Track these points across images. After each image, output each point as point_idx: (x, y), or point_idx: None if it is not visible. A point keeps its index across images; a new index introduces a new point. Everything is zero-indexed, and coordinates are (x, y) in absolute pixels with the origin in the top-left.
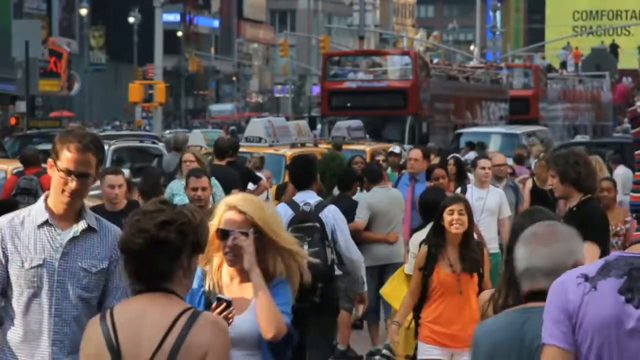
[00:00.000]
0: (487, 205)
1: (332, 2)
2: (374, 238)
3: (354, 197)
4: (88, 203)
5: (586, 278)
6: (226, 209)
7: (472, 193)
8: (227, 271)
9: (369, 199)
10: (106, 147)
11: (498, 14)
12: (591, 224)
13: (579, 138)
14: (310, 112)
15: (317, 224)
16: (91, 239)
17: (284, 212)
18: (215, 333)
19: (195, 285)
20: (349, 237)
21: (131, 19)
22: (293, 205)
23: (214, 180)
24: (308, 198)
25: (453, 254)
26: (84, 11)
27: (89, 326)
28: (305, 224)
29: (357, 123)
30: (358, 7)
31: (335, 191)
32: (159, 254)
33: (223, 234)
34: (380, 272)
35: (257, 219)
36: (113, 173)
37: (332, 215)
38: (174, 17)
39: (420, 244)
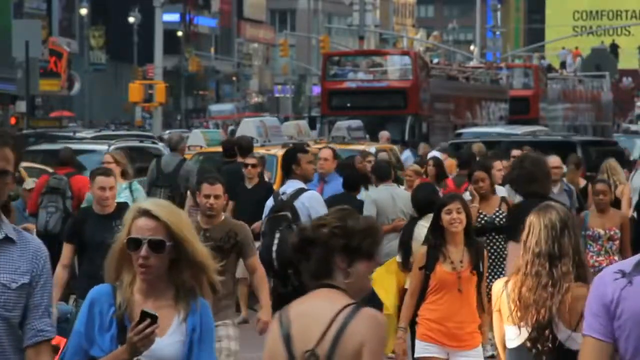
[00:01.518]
0: None
1: (332, 2)
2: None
3: (359, 197)
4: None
5: (623, 274)
6: (137, 215)
7: None
8: (139, 287)
9: (373, 196)
10: (106, 147)
11: (498, 14)
12: (511, 224)
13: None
14: (310, 112)
15: (289, 213)
16: (9, 251)
17: (269, 203)
18: (372, 326)
19: (104, 304)
20: None
21: (131, 19)
22: (276, 195)
23: (135, 185)
24: (290, 187)
25: (454, 252)
26: (84, 11)
27: (272, 322)
28: (279, 214)
29: (357, 123)
30: (358, 7)
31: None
32: (312, 251)
33: (134, 243)
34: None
35: (172, 225)
36: (104, 174)
37: (307, 201)
38: (173, 17)
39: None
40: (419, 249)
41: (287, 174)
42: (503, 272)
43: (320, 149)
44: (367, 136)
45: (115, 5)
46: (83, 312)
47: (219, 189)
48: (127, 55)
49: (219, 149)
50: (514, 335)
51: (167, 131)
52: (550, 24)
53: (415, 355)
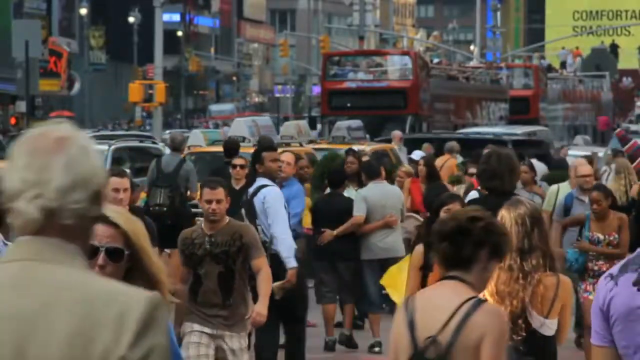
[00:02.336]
0: None
1: (332, 2)
2: (374, 227)
3: (349, 195)
4: None
5: (611, 277)
6: None
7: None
8: None
9: (363, 193)
10: (106, 147)
11: (498, 14)
12: None
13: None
14: (310, 112)
15: (244, 210)
16: None
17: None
18: (494, 319)
19: None
20: (278, 216)
21: (131, 19)
22: (245, 194)
23: None
24: (256, 184)
25: None
26: (84, 11)
27: (397, 310)
28: (241, 211)
29: (357, 123)
30: (358, 7)
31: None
32: (464, 240)
33: (91, 250)
34: (382, 266)
35: (131, 233)
36: (118, 175)
37: (263, 196)
38: (174, 17)
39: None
40: (416, 249)
41: (255, 172)
42: None
43: (282, 151)
44: (367, 136)
45: (115, 5)
46: None
47: (220, 193)
48: (127, 55)
49: (211, 148)
50: None
51: (167, 131)
52: (550, 24)
53: None
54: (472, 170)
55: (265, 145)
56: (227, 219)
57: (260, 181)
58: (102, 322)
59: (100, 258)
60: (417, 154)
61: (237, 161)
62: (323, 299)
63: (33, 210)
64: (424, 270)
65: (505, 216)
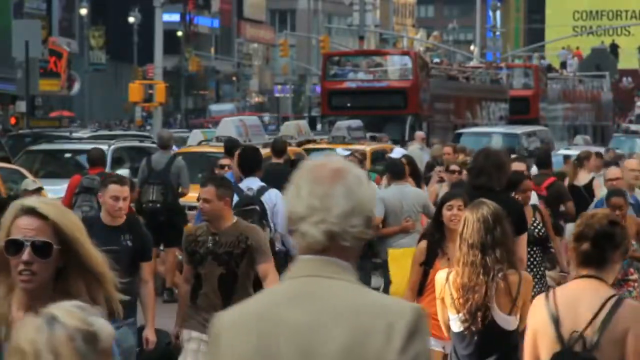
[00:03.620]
0: None
1: (332, 2)
2: (390, 232)
3: None
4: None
5: None
6: (20, 213)
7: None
8: (19, 302)
9: (381, 194)
10: (105, 147)
11: (498, 13)
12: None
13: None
14: (310, 112)
15: (258, 207)
16: None
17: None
18: (637, 315)
19: None
20: None
21: (131, 19)
22: (238, 190)
23: None
24: (252, 184)
25: (452, 249)
26: (84, 11)
27: (536, 302)
28: (248, 207)
29: (357, 123)
30: (358, 7)
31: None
32: (606, 243)
33: (14, 245)
34: None
35: (62, 226)
36: (118, 183)
37: (273, 197)
38: (173, 17)
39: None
40: (419, 245)
41: (248, 172)
42: (542, 287)
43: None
44: (367, 136)
45: (115, 5)
46: None
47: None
48: (127, 55)
49: (202, 148)
50: (458, 321)
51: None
52: (550, 24)
53: None
54: (453, 167)
55: (279, 147)
56: (234, 218)
57: (256, 181)
58: (373, 331)
59: (26, 253)
60: (397, 152)
61: (225, 161)
62: None
63: (317, 233)
64: (425, 266)
65: (469, 217)
